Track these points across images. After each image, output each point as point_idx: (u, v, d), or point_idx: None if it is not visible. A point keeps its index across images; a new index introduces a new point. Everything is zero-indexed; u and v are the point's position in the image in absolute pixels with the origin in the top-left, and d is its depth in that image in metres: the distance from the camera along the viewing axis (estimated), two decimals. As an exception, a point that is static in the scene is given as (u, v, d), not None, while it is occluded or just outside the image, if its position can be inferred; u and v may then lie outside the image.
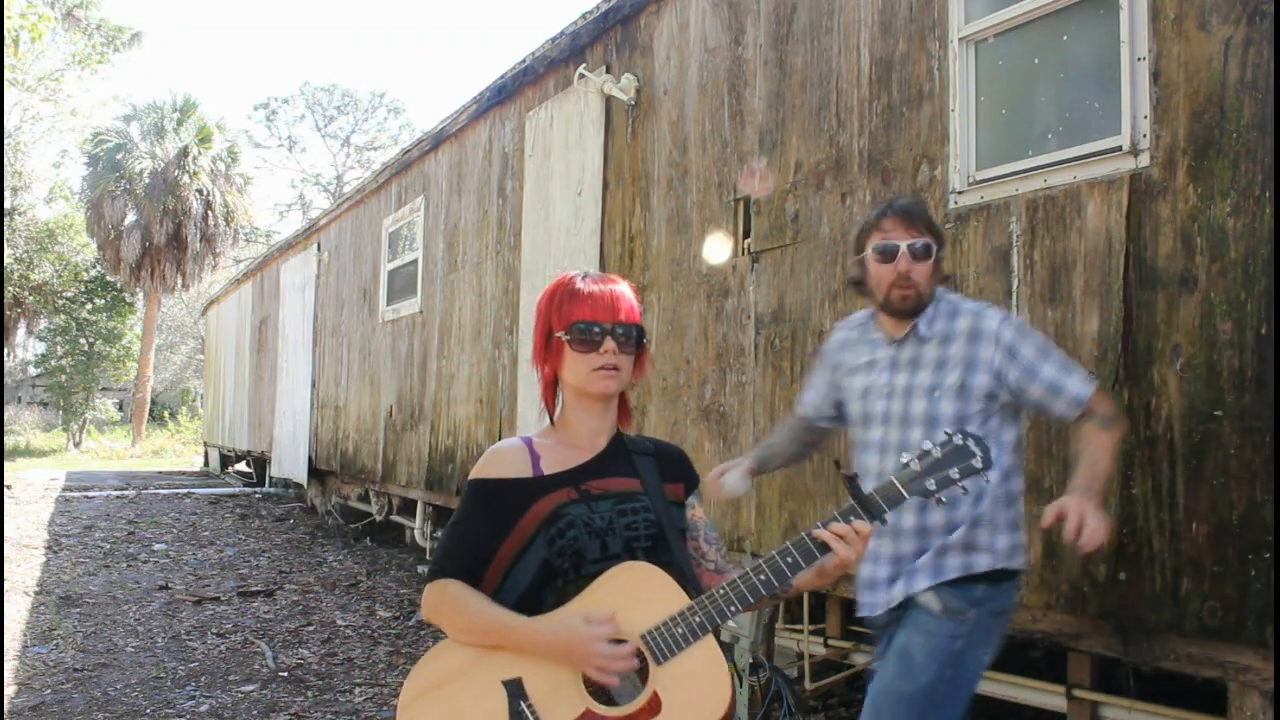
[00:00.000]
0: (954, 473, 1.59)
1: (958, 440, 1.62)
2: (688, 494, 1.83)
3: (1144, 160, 2.67)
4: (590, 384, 1.72)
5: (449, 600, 1.67)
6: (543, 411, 1.86)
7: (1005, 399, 2.24)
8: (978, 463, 1.59)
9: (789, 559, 1.60)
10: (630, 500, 1.73)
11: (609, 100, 5.11)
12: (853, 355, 2.44)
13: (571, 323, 1.72)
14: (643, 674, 1.58)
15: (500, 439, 6.27)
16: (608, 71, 5.11)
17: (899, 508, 1.66)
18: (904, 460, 1.61)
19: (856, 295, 2.59)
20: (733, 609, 1.60)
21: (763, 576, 1.60)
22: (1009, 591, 2.28)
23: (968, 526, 2.20)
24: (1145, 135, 2.67)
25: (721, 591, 1.60)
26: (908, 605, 2.22)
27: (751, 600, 1.60)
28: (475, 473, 1.76)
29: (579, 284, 1.75)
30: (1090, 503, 2.00)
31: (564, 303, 1.74)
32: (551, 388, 1.81)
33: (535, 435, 1.83)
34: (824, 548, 1.58)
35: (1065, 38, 2.99)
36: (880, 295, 2.31)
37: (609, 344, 1.71)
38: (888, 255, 2.27)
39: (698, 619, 1.59)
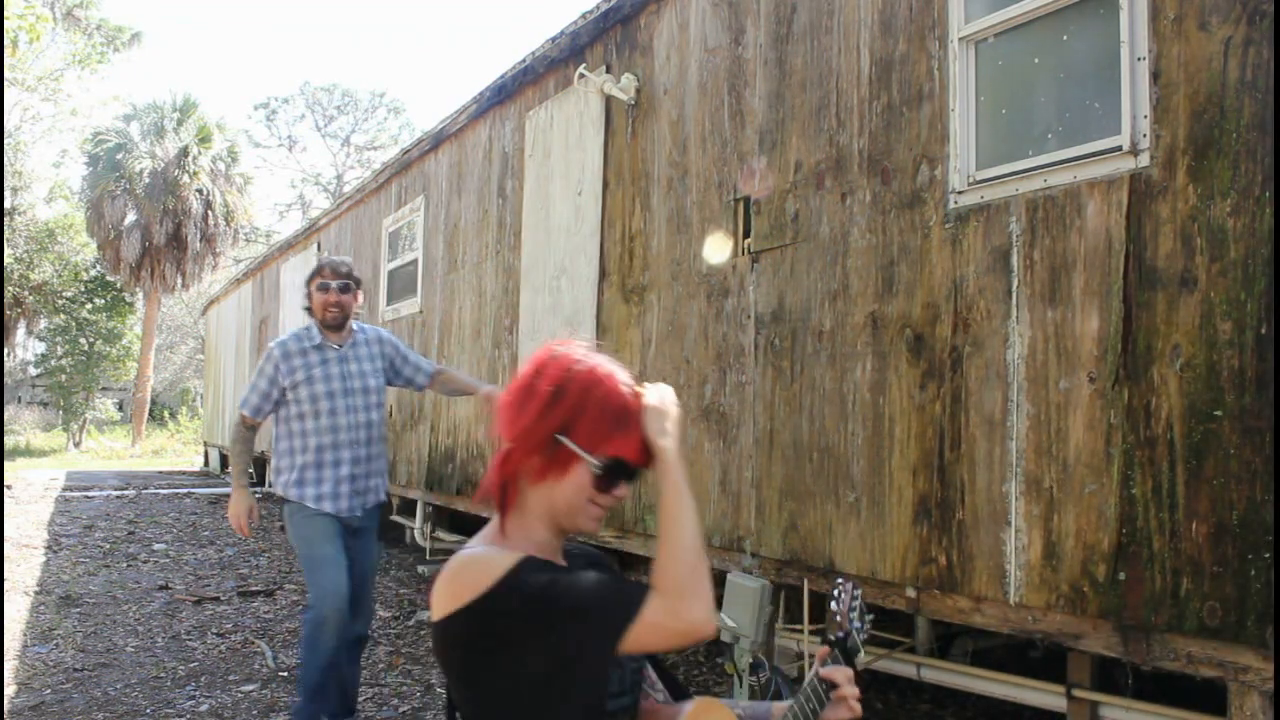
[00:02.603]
0: (867, 625, 1.64)
1: (858, 603, 1.64)
2: None
3: (1144, 160, 2.67)
4: (584, 524, 1.44)
5: None
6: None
7: (393, 374, 4.00)
8: (869, 619, 1.67)
9: (811, 706, 1.54)
10: None
11: (609, 100, 5.10)
12: (302, 360, 3.75)
13: (612, 459, 1.40)
14: None
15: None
16: (608, 71, 5.11)
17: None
18: (836, 614, 1.68)
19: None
20: None
21: None
22: None
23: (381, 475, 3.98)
24: (1145, 135, 2.67)
25: None
26: (375, 508, 3.91)
27: None
28: (477, 596, 1.34)
29: (630, 399, 1.42)
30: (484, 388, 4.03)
31: (607, 418, 1.40)
32: (511, 486, 1.46)
33: (490, 546, 1.45)
34: (831, 687, 1.54)
35: (1065, 38, 2.99)
36: (318, 314, 3.81)
37: (624, 490, 1.44)
38: (324, 289, 3.79)
39: None
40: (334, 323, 3.80)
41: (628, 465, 1.41)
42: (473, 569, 1.36)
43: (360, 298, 3.92)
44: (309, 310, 3.87)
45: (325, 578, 3.63)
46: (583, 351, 1.46)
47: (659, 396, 1.43)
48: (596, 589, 1.34)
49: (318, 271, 3.84)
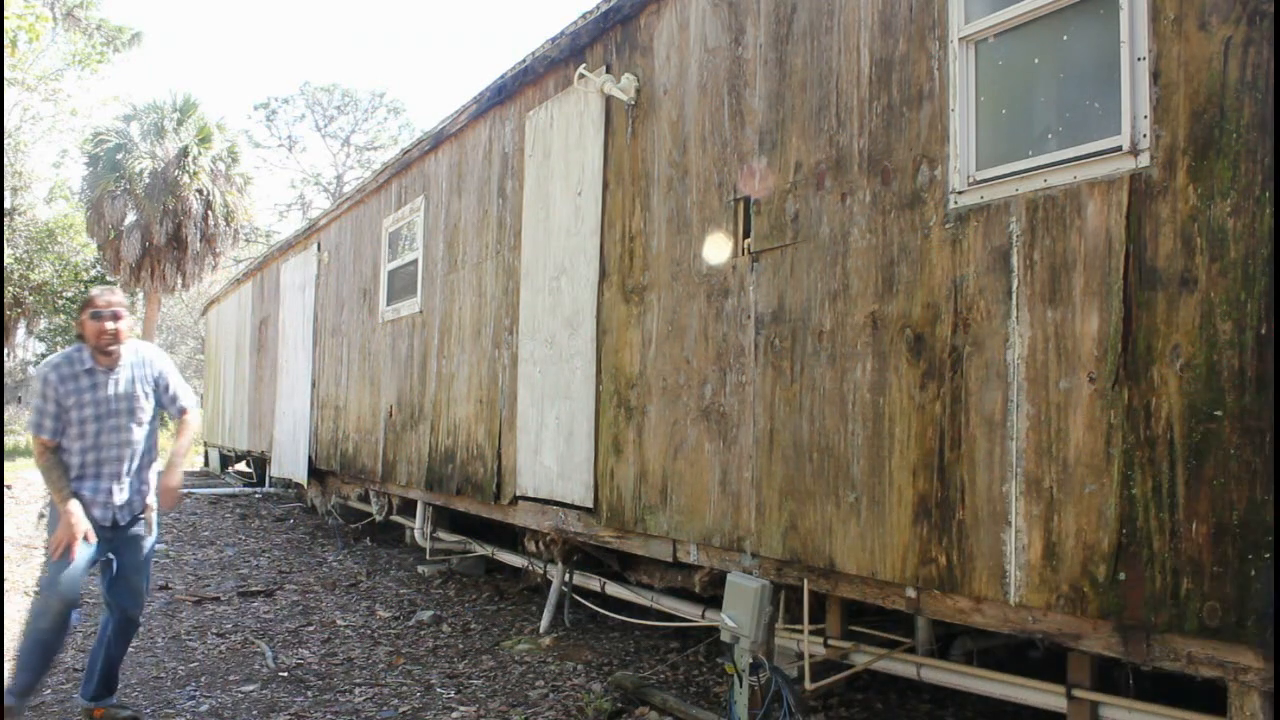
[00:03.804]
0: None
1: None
2: None
3: (1144, 160, 2.67)
4: None
5: None
6: None
7: (157, 395, 4.28)
8: None
9: None
10: None
11: (609, 100, 5.10)
12: (74, 384, 4.01)
13: None
14: None
15: (500, 439, 6.30)
16: (608, 71, 5.11)
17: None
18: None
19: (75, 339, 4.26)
20: None
21: None
22: None
23: (151, 489, 4.29)
24: (1145, 135, 2.67)
25: None
26: (140, 515, 4.23)
27: None
28: None
29: None
30: (173, 472, 4.26)
31: None
32: None
33: None
34: None
35: (1065, 38, 2.99)
36: (93, 341, 4.03)
37: None
38: (97, 318, 4.01)
39: None
40: (107, 348, 4.05)
41: None
42: None
43: (129, 325, 4.18)
44: (80, 337, 4.11)
45: (67, 576, 3.91)
46: None
47: None
48: None
49: (90, 301, 4.09)
